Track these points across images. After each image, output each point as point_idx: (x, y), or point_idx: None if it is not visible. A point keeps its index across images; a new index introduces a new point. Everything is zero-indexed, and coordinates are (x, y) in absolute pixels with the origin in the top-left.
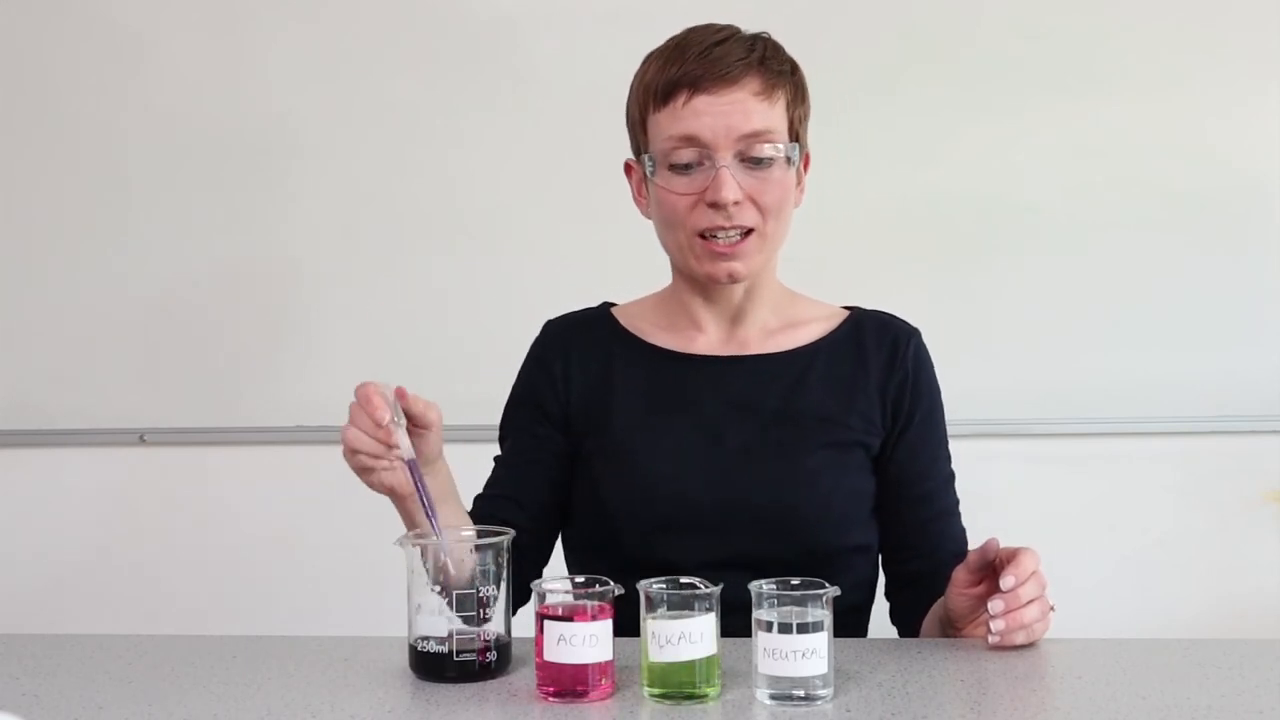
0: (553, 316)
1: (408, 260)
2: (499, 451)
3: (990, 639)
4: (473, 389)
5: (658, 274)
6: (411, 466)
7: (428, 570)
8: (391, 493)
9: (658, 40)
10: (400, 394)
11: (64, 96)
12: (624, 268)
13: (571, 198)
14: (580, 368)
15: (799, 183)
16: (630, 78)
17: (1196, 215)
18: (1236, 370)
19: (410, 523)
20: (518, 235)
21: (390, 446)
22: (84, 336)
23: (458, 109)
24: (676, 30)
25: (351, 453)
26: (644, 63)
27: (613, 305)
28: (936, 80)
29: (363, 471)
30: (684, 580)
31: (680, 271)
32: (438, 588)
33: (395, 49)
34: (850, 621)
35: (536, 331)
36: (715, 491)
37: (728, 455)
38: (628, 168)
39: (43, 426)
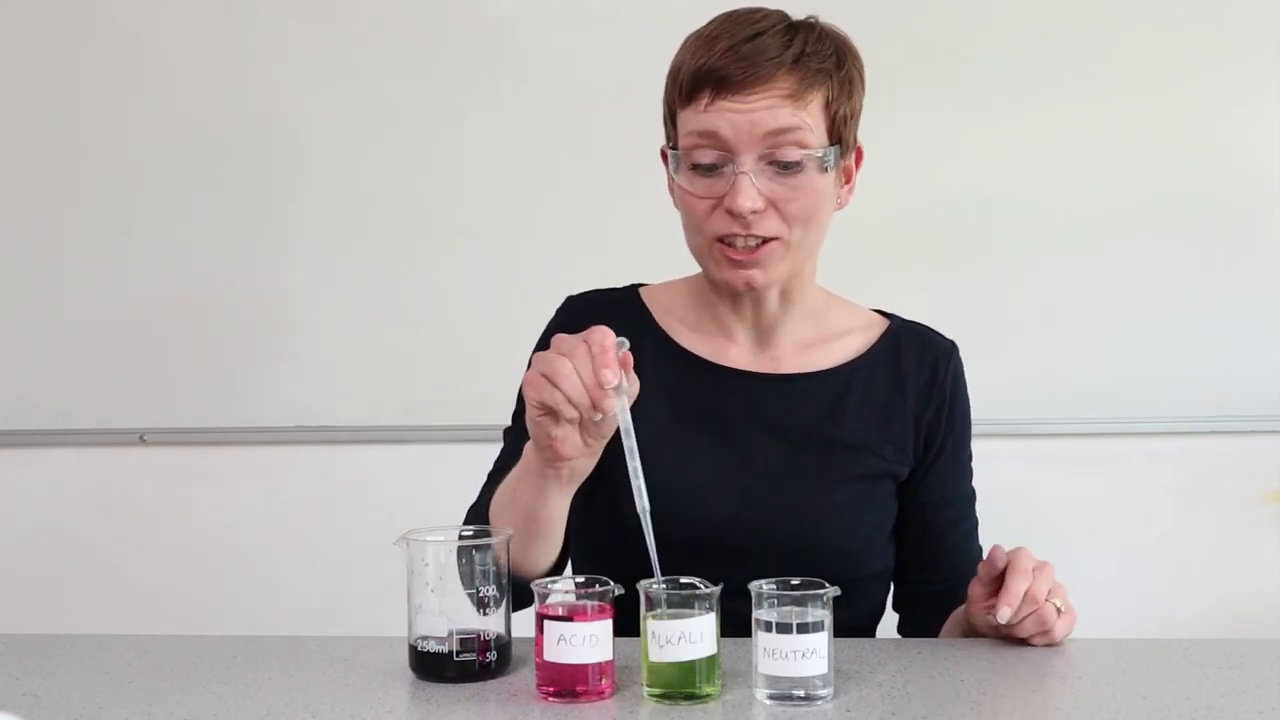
0: (574, 293)
1: (408, 260)
2: (501, 446)
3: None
4: (474, 389)
5: (662, 273)
6: (626, 445)
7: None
8: (551, 449)
9: (660, 39)
10: (625, 362)
11: (65, 97)
12: (628, 267)
13: (574, 198)
14: None
15: (847, 181)
16: (631, 77)
17: (1197, 215)
18: (1236, 370)
19: (526, 493)
20: (519, 235)
21: (596, 411)
22: (84, 336)
23: (459, 108)
24: (677, 29)
25: (549, 385)
26: (682, 45)
27: (641, 286)
28: (937, 80)
29: (542, 414)
30: (684, 580)
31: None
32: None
33: (396, 50)
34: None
35: (539, 331)
36: (738, 515)
37: (754, 478)
38: (664, 154)
39: (43, 426)
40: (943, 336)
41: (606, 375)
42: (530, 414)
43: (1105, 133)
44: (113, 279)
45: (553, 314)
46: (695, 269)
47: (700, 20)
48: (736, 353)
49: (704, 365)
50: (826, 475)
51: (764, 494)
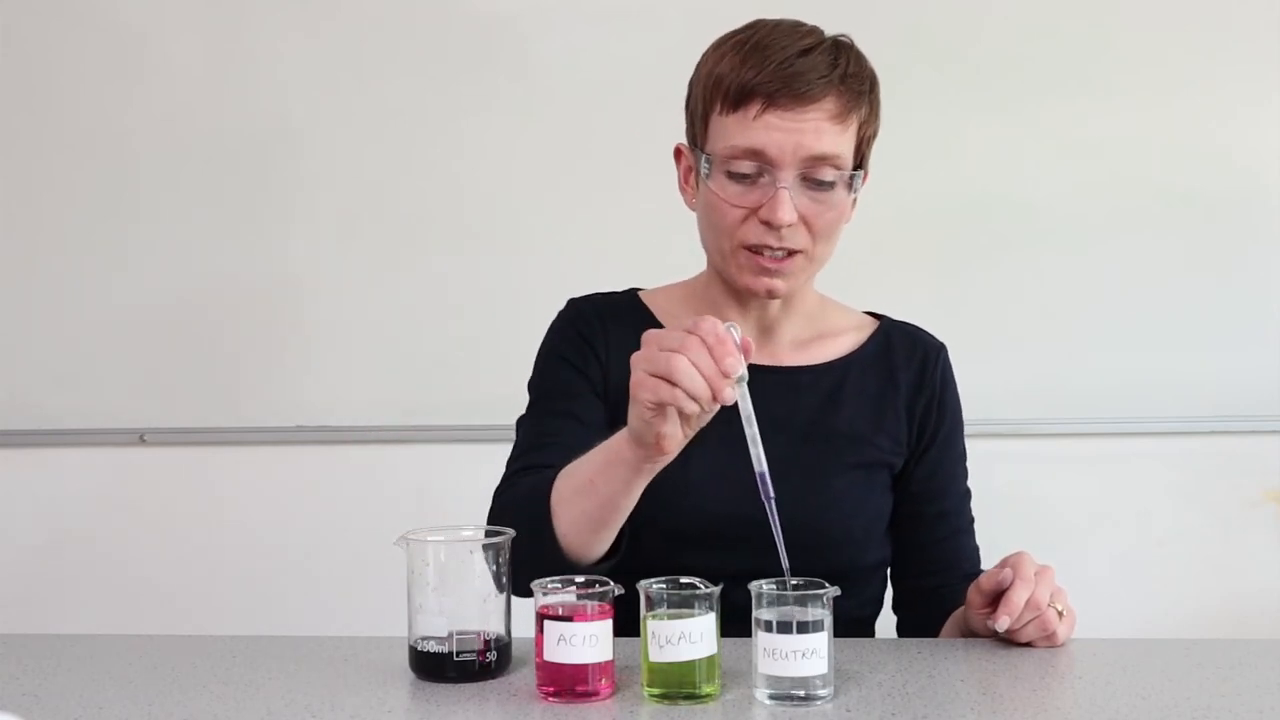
0: (576, 296)
1: (409, 260)
2: (506, 451)
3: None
4: (476, 390)
5: (663, 274)
6: (748, 433)
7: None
8: (656, 446)
9: (662, 39)
10: (746, 347)
11: (67, 97)
12: (629, 268)
13: (576, 198)
14: (617, 352)
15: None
16: (631, 77)
17: (1197, 216)
18: (1236, 370)
19: (610, 485)
20: (520, 236)
21: (716, 403)
22: (84, 336)
23: (460, 109)
24: (678, 29)
25: (667, 385)
26: (716, 48)
27: (639, 290)
28: (940, 81)
29: (655, 413)
30: (684, 580)
31: (718, 274)
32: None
33: (398, 50)
34: (858, 634)
35: (540, 332)
36: (740, 507)
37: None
38: (678, 153)
39: (43, 426)
40: (932, 336)
41: (730, 364)
42: (639, 414)
43: (1106, 134)
44: (113, 279)
45: (554, 317)
46: (691, 272)
47: (700, 18)
48: None
49: None
50: (825, 465)
51: None
